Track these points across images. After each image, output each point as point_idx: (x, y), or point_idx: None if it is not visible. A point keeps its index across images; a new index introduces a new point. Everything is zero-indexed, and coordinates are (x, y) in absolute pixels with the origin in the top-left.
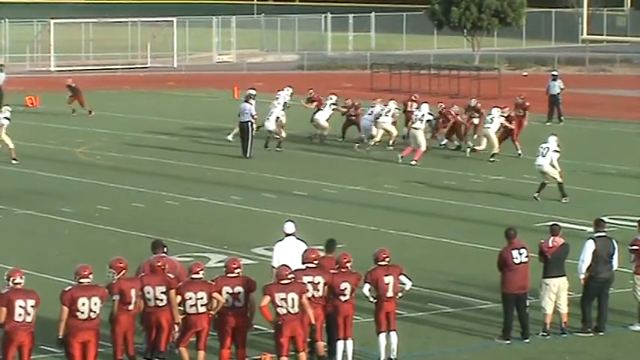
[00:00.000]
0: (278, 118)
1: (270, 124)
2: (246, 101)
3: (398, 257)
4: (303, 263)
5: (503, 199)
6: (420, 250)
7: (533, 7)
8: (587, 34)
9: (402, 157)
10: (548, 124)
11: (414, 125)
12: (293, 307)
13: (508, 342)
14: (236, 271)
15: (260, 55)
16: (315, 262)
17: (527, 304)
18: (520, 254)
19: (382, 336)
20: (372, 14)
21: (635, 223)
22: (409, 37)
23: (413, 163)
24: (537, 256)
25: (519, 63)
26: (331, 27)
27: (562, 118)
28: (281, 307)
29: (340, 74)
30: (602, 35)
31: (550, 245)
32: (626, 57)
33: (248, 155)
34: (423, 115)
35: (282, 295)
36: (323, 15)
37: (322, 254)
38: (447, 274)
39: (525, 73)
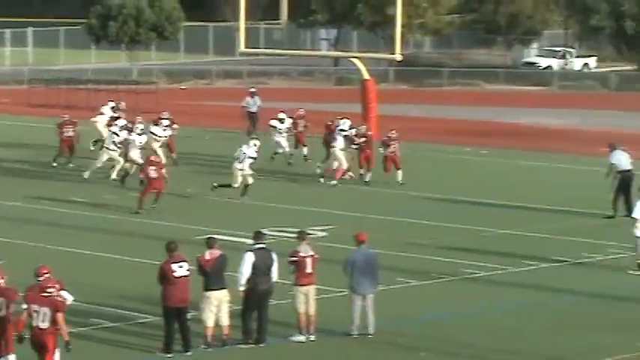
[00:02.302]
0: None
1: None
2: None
3: (58, 273)
4: None
5: (163, 212)
6: (80, 264)
7: (191, 20)
8: (245, 48)
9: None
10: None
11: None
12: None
13: (170, 355)
14: None
15: None
16: None
17: (188, 317)
18: (180, 267)
19: None
20: (29, 29)
21: (294, 235)
22: (67, 51)
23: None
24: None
25: (178, 76)
26: None
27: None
28: None
29: None
30: (259, 48)
31: (207, 258)
32: (284, 70)
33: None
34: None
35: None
36: None
37: None
38: (108, 288)
39: (183, 87)
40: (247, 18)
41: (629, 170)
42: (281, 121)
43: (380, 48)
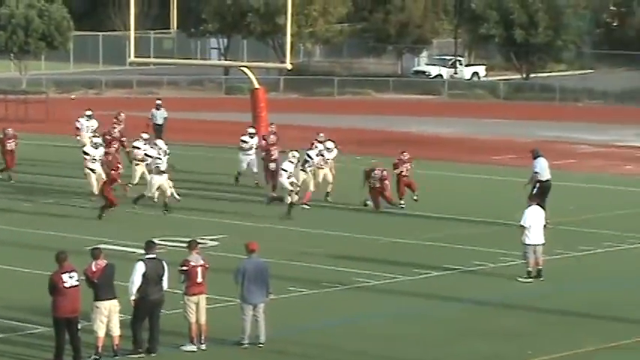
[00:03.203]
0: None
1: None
2: None
3: None
4: None
5: (55, 222)
6: None
7: (80, 30)
8: (135, 57)
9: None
10: None
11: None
12: None
13: None
14: None
15: None
16: None
17: (79, 327)
18: (70, 278)
19: None
20: None
21: (185, 244)
22: None
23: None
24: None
25: (67, 86)
26: None
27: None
28: None
29: None
30: (149, 58)
31: (94, 269)
32: (173, 79)
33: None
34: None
35: None
36: None
37: None
38: None
39: (73, 97)
40: (137, 27)
41: (548, 180)
42: (251, 135)
43: (270, 57)
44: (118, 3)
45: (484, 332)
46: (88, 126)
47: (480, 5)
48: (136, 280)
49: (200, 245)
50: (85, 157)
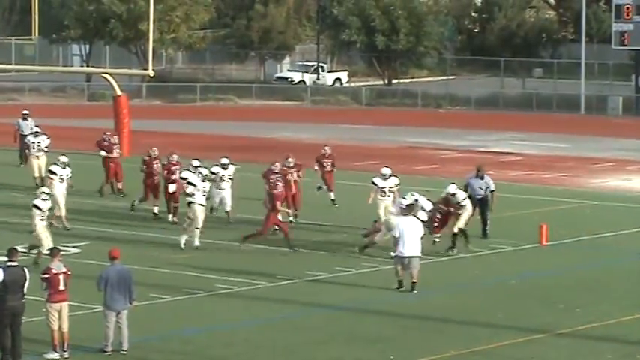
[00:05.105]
0: None
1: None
2: None
3: None
4: None
5: None
6: None
7: None
8: None
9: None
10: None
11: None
12: None
13: None
14: None
15: None
16: None
17: None
18: None
19: None
20: None
21: (47, 251)
22: None
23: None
24: None
25: None
26: None
27: None
28: None
29: None
30: (10, 64)
31: None
32: (35, 86)
33: None
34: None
35: None
36: None
37: None
38: None
39: None
40: None
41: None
42: (223, 167)
43: (133, 64)
44: None
45: (346, 338)
46: (34, 142)
47: (341, 12)
48: None
49: (62, 252)
50: (51, 177)
